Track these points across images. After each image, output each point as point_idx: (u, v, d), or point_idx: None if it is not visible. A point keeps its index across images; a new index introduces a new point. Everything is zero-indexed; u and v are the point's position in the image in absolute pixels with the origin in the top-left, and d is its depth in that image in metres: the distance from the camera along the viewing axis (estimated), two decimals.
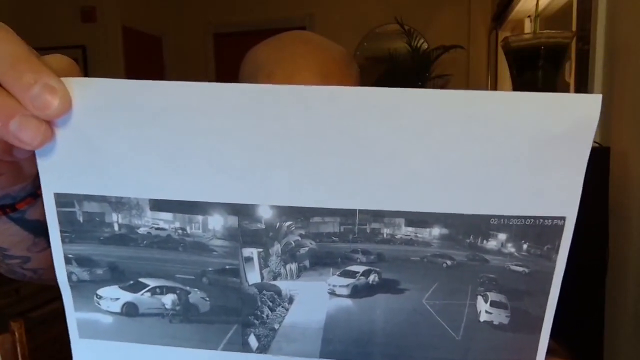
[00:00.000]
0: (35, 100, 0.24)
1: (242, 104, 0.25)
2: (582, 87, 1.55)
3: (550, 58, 1.65)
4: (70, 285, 0.31)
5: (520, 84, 1.77)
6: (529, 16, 2.87)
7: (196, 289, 0.30)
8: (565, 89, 1.82)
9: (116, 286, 0.30)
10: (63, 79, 0.25)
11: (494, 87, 3.88)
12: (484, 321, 0.29)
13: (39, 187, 0.35)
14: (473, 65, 4.25)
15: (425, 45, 4.21)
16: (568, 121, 0.25)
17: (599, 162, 1.24)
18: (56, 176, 0.28)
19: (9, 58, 0.24)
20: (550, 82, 1.69)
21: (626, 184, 1.27)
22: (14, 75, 0.24)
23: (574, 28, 1.73)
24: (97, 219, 0.29)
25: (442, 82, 4.04)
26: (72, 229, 0.29)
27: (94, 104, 0.26)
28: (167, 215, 0.29)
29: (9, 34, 0.24)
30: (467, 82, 4.20)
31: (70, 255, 0.30)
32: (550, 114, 0.25)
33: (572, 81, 1.73)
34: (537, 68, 1.67)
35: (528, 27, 2.86)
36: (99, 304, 0.31)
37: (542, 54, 1.64)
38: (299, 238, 0.29)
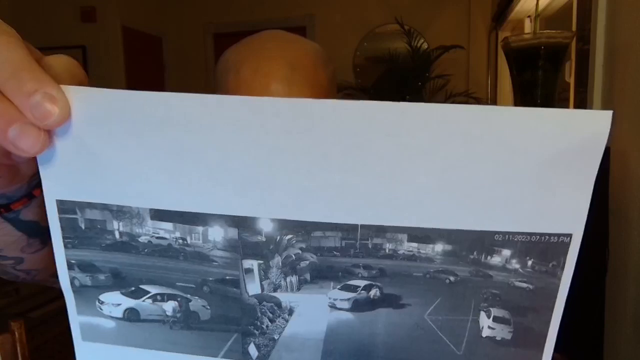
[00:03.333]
0: (35, 109, 0.23)
1: (244, 116, 0.25)
2: (582, 87, 1.55)
3: (550, 58, 1.65)
4: (73, 290, 0.31)
5: (520, 84, 1.77)
6: (529, 16, 2.86)
7: (197, 297, 0.30)
8: (565, 89, 1.82)
9: (118, 292, 0.31)
10: (63, 87, 0.25)
11: (494, 87, 3.89)
12: (487, 336, 0.29)
13: (34, 187, 0.34)
14: (473, 65, 4.25)
15: (425, 45, 4.21)
16: (577, 138, 0.24)
17: (599, 162, 1.24)
18: (58, 183, 0.28)
19: (10, 64, 0.24)
20: (550, 82, 1.69)
21: (626, 184, 1.27)
22: (15, 83, 0.23)
23: (574, 28, 1.73)
24: (99, 226, 0.29)
25: (442, 82, 4.04)
26: (74, 235, 0.29)
27: (94, 113, 0.26)
28: (168, 225, 0.29)
29: (11, 38, 0.24)
30: (467, 82, 4.20)
31: (72, 261, 0.30)
32: (558, 130, 0.24)
33: (572, 81, 1.73)
34: (537, 68, 1.68)
35: (528, 27, 2.86)
36: (101, 308, 0.31)
37: (542, 54, 1.65)
38: (300, 251, 0.28)
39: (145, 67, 4.61)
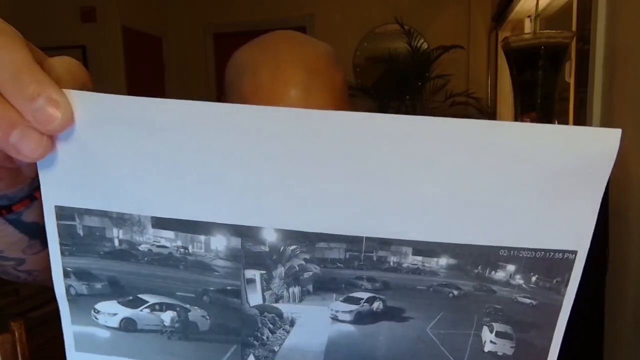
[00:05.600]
0: (38, 113, 0.23)
1: (249, 125, 0.25)
2: (582, 87, 1.55)
3: (550, 58, 1.65)
4: (68, 299, 0.30)
5: (520, 84, 1.77)
6: (529, 16, 2.86)
7: (196, 307, 0.30)
8: (565, 89, 1.82)
9: (115, 301, 0.30)
10: (66, 91, 0.24)
11: (494, 87, 3.88)
12: (488, 351, 0.29)
13: (36, 189, 0.34)
14: (473, 65, 4.25)
15: (425, 45, 4.21)
16: (585, 155, 0.24)
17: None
18: (57, 189, 0.27)
19: (11, 67, 0.23)
20: (550, 82, 1.69)
21: (626, 184, 1.27)
22: (16, 87, 0.23)
23: (574, 28, 1.73)
24: (98, 233, 0.29)
25: (442, 82, 4.04)
26: (72, 242, 0.29)
27: (96, 119, 0.25)
28: (169, 234, 0.28)
29: (13, 39, 0.24)
30: (467, 82, 4.20)
31: (69, 269, 0.30)
32: (567, 147, 0.24)
33: (572, 81, 1.73)
34: (537, 68, 1.68)
35: (528, 27, 2.86)
36: (96, 318, 0.30)
37: (542, 54, 1.65)
38: (303, 262, 0.28)
39: (145, 67, 4.61)
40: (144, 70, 4.54)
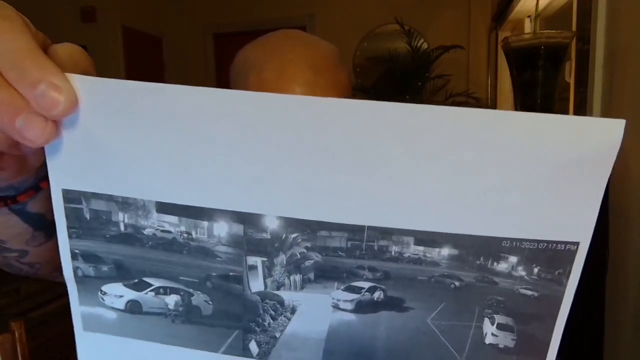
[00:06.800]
0: (41, 99, 0.23)
1: (254, 112, 0.25)
2: (582, 87, 1.55)
3: (550, 58, 1.65)
4: (76, 280, 0.31)
5: (520, 84, 1.77)
6: (529, 16, 2.86)
7: (199, 292, 0.30)
8: (565, 89, 1.82)
9: (120, 283, 0.31)
10: (70, 75, 0.24)
11: (494, 87, 3.88)
12: (489, 344, 0.29)
13: (41, 179, 0.34)
14: (473, 65, 4.25)
15: (425, 45, 4.20)
16: (588, 146, 0.24)
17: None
18: (64, 173, 0.28)
19: (13, 53, 0.23)
20: (550, 82, 1.69)
21: (626, 184, 1.27)
22: (20, 72, 0.23)
23: (574, 28, 1.73)
24: (104, 217, 0.29)
25: (442, 82, 4.04)
26: (79, 225, 0.29)
27: (101, 104, 0.25)
28: (173, 219, 0.29)
29: (15, 24, 0.24)
30: (467, 82, 4.20)
31: (76, 251, 0.30)
32: (570, 137, 0.24)
33: (572, 81, 1.73)
34: (537, 68, 1.67)
35: (528, 27, 2.85)
36: (103, 299, 0.31)
37: (542, 54, 1.64)
38: (305, 250, 0.28)
39: (145, 67, 4.61)
40: (144, 70, 4.54)
